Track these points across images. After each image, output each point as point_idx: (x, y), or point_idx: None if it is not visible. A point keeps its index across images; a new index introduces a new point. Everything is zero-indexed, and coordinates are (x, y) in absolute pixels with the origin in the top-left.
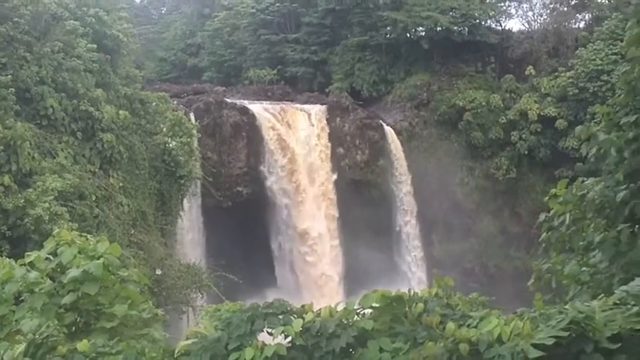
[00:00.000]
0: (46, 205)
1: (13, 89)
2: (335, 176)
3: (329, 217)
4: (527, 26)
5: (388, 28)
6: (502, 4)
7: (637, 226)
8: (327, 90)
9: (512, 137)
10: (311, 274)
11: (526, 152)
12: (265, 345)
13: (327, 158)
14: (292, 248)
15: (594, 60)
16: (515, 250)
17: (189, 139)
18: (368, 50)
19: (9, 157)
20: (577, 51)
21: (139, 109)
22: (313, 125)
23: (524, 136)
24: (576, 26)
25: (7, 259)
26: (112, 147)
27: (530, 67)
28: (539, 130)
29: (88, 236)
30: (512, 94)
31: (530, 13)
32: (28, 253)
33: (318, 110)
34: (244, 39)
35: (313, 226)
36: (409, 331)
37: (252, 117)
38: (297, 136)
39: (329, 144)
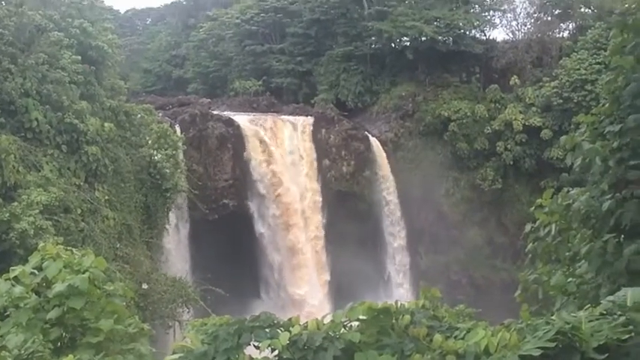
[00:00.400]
0: (31, 219)
1: None
2: (321, 188)
3: (315, 229)
4: (512, 36)
5: (373, 38)
6: (486, 13)
7: (622, 236)
8: (312, 101)
9: (498, 148)
10: (297, 286)
11: (511, 162)
12: (252, 359)
13: (313, 170)
14: (278, 260)
15: (578, 69)
16: (501, 261)
17: (174, 152)
18: (353, 60)
19: None
20: (561, 60)
21: (124, 122)
22: (299, 137)
23: (509, 146)
24: (560, 35)
25: None
26: (97, 160)
27: (515, 76)
28: (524, 140)
29: (74, 250)
30: (497, 105)
31: (514, 23)
32: (13, 267)
33: (303, 122)
34: (229, 50)
35: (299, 238)
36: (396, 343)
37: (237, 129)
38: (283, 148)
39: (315, 155)
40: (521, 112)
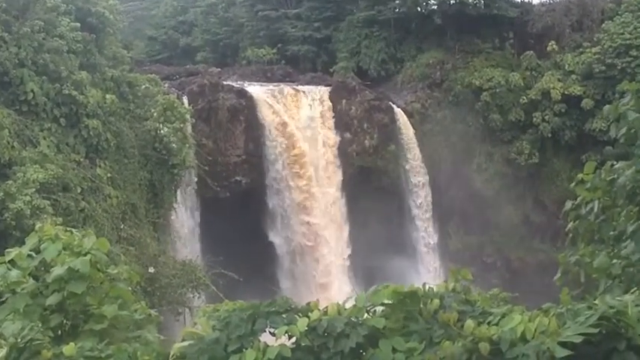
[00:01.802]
0: (28, 198)
1: None
2: (341, 163)
3: (335, 208)
4: None
5: (397, 1)
6: None
7: None
8: (331, 70)
9: (535, 119)
10: (317, 269)
11: (549, 135)
12: (268, 346)
13: (333, 144)
14: (296, 241)
15: (622, 34)
16: (539, 242)
17: (182, 125)
18: (375, 26)
19: None
20: (603, 24)
21: (127, 93)
22: (317, 108)
23: (547, 117)
24: None
25: None
26: (98, 134)
27: (553, 42)
28: (563, 110)
29: (74, 231)
30: (534, 72)
31: None
32: (9, 250)
33: (322, 92)
34: (241, 15)
35: (319, 217)
36: (424, 329)
37: (250, 100)
38: (300, 121)
39: (334, 128)
40: (559, 81)
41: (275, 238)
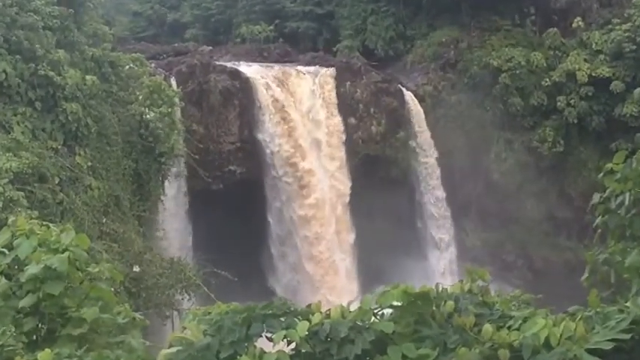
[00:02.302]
0: (0, 189)
1: None
2: (345, 152)
3: (338, 201)
4: None
5: None
6: None
7: None
8: (334, 49)
9: (559, 103)
10: (318, 268)
11: (575, 121)
12: (264, 353)
13: (337, 131)
14: (296, 238)
15: None
16: (565, 239)
17: (170, 109)
18: (383, 1)
19: None
20: None
21: (109, 74)
22: (319, 91)
23: (572, 101)
24: None
25: None
26: (77, 119)
27: (578, 18)
28: (590, 94)
29: (51, 226)
30: (557, 52)
31: None
32: None
33: (324, 73)
34: None
35: (320, 211)
36: (437, 334)
37: (245, 82)
38: (300, 105)
39: (338, 114)
40: (586, 61)
41: (273, 233)
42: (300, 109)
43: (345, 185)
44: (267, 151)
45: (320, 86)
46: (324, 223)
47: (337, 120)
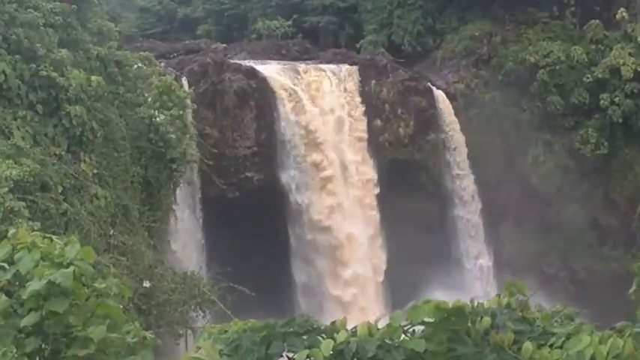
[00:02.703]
0: None
1: None
2: (371, 156)
3: (365, 209)
4: None
5: None
6: None
7: None
8: (357, 45)
9: (602, 101)
10: (343, 281)
11: (620, 120)
12: None
13: (361, 133)
14: (319, 250)
15: None
16: (610, 249)
17: (181, 112)
18: None
19: None
20: None
21: (115, 74)
22: (342, 91)
23: (617, 99)
24: None
25: None
26: (82, 123)
27: (622, 9)
28: (636, 91)
29: (54, 238)
30: (600, 46)
31: None
32: None
33: (347, 71)
34: None
35: (344, 221)
36: (473, 353)
37: (261, 81)
38: (322, 106)
39: (363, 115)
40: (631, 55)
41: (294, 245)
42: (321, 110)
43: (371, 192)
44: (286, 155)
45: (342, 86)
46: (350, 234)
47: (361, 121)
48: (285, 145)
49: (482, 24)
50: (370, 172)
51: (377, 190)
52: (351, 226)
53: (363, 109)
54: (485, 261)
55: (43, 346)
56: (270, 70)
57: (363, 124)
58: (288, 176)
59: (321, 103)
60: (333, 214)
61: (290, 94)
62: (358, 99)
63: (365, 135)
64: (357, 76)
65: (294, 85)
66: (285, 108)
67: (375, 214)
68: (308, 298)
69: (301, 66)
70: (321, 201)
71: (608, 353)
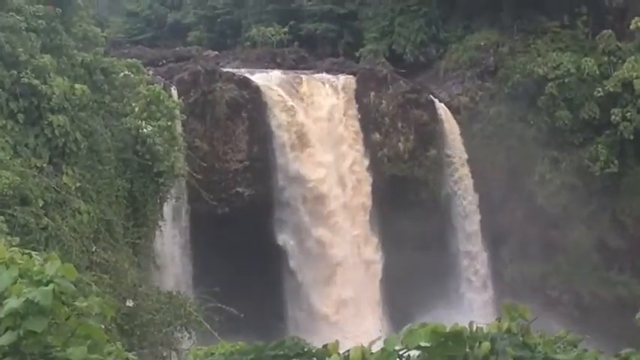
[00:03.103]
0: None
1: None
2: (369, 171)
3: (361, 228)
4: None
5: None
6: None
7: None
8: (356, 54)
9: (613, 117)
10: (336, 303)
11: (632, 137)
12: None
13: (359, 147)
14: (310, 270)
15: None
16: (617, 273)
17: (169, 123)
18: None
19: None
20: None
21: (101, 82)
22: (339, 102)
23: (629, 115)
24: None
25: None
26: (65, 134)
27: (637, 19)
28: None
29: (34, 254)
30: (612, 58)
31: None
32: None
33: (345, 82)
34: None
35: (339, 239)
36: None
37: (255, 92)
38: (318, 118)
39: (361, 128)
40: None
41: (285, 265)
42: (317, 122)
43: (368, 209)
44: (280, 170)
45: (340, 96)
46: (345, 253)
47: (359, 135)
48: (278, 158)
49: (488, 33)
50: (366, 186)
51: (370, 205)
52: (346, 244)
53: (361, 121)
54: (486, 282)
55: None
56: (264, 79)
57: (359, 138)
58: (279, 190)
59: (316, 115)
60: (328, 231)
61: (284, 105)
62: (355, 111)
63: (362, 148)
64: (355, 87)
65: (289, 95)
66: (279, 120)
67: (370, 230)
68: (299, 319)
69: (297, 76)
70: (317, 217)
71: None
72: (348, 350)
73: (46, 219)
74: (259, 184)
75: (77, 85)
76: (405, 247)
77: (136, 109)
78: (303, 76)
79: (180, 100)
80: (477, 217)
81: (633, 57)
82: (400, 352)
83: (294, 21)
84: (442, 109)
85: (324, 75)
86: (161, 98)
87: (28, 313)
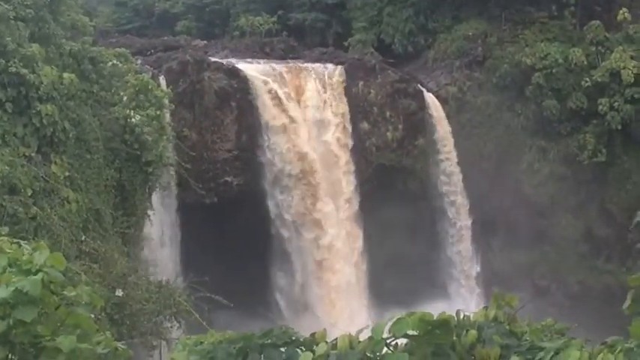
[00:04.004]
0: None
1: None
2: (357, 161)
3: (349, 217)
4: None
5: None
6: None
7: None
8: (345, 44)
9: (600, 107)
10: (324, 292)
11: (619, 127)
12: None
13: (347, 137)
14: (299, 259)
15: None
16: (604, 261)
17: (158, 112)
18: None
19: None
20: None
21: (89, 72)
22: (327, 92)
23: (616, 104)
24: None
25: None
26: (53, 123)
27: (624, 9)
28: (636, 96)
29: (22, 243)
30: (600, 48)
31: None
32: None
33: (334, 72)
34: None
35: (328, 229)
36: None
37: (243, 81)
38: (306, 108)
39: (349, 117)
40: (632, 58)
41: (274, 254)
42: (305, 112)
43: (355, 198)
44: (268, 159)
45: (329, 86)
46: (333, 243)
47: (348, 124)
48: (267, 148)
49: (477, 23)
50: (353, 176)
51: (356, 195)
52: (333, 232)
53: (350, 111)
54: (474, 271)
55: (9, 356)
56: (253, 69)
57: (347, 127)
58: (268, 180)
59: (304, 105)
60: (317, 221)
61: (273, 95)
62: (344, 101)
63: (350, 138)
64: (343, 77)
65: (278, 85)
66: (268, 109)
67: (356, 219)
68: (288, 307)
69: (286, 65)
70: (304, 207)
71: None
72: (336, 339)
73: (35, 208)
74: (248, 174)
75: (65, 75)
76: (392, 235)
77: (125, 99)
78: (292, 66)
79: (169, 90)
80: (465, 207)
81: (621, 47)
82: (388, 341)
83: (283, 11)
84: (430, 99)
85: (313, 65)
86: (150, 88)
87: (18, 302)
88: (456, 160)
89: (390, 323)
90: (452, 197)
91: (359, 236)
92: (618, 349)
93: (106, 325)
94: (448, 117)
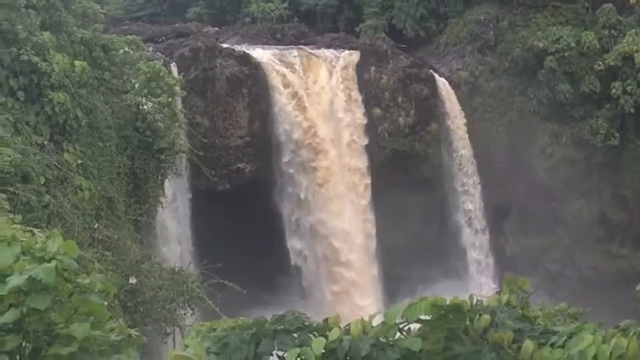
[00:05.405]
0: None
1: None
2: (370, 146)
3: (361, 203)
4: None
5: None
6: None
7: None
8: (357, 29)
9: (614, 90)
10: (337, 279)
11: (632, 110)
12: None
13: (359, 122)
14: (313, 245)
15: None
16: (618, 246)
17: (170, 99)
18: None
19: None
20: None
21: (101, 59)
22: (339, 78)
23: (629, 88)
24: None
25: None
26: (65, 111)
27: None
28: None
29: (36, 231)
30: (613, 31)
31: None
32: None
33: (346, 57)
34: None
35: (340, 214)
36: (471, 352)
37: (255, 68)
38: (319, 93)
39: (362, 103)
40: None
41: (288, 240)
42: (318, 98)
43: (368, 184)
44: (280, 146)
45: (341, 72)
46: (345, 228)
47: (360, 110)
48: (280, 134)
49: (488, 7)
50: (365, 161)
51: (368, 181)
52: (346, 218)
53: (362, 96)
54: (487, 256)
55: (23, 344)
56: (264, 55)
57: (360, 113)
58: (282, 167)
59: (317, 91)
60: (329, 206)
61: (285, 81)
62: (356, 86)
63: (363, 124)
64: (355, 63)
65: (290, 71)
66: (280, 95)
67: (369, 205)
68: (301, 292)
69: (297, 51)
70: (317, 193)
71: (611, 353)
72: (349, 324)
73: (48, 196)
74: (261, 160)
75: (77, 62)
76: (405, 221)
77: (136, 86)
78: (304, 52)
79: (181, 77)
80: (478, 192)
81: (634, 30)
82: (400, 325)
83: None
84: (442, 84)
85: (325, 50)
86: (161, 75)
87: (31, 290)
88: (468, 145)
89: (402, 308)
90: (464, 183)
91: (371, 221)
92: (632, 333)
93: (119, 312)
94: (460, 102)
